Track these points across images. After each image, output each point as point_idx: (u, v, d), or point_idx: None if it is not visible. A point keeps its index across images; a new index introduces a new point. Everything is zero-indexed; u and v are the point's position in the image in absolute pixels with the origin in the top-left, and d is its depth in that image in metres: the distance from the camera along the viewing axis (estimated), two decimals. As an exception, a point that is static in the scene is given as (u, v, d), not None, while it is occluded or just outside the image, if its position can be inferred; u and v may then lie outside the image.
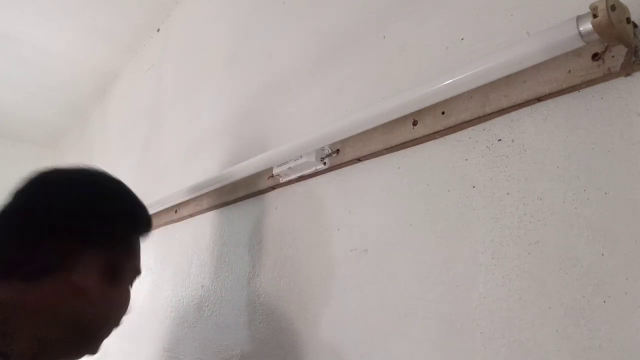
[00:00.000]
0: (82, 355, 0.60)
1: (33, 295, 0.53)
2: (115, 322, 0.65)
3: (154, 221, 1.58)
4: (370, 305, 0.79)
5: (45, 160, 3.12)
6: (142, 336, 1.45)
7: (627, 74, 0.54)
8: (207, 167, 1.38)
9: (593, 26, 0.51)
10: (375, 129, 0.81)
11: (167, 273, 1.49)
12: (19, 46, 2.10)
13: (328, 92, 0.99)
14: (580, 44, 0.54)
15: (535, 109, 0.63)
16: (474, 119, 0.68)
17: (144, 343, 1.42)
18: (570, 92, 0.59)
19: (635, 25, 0.53)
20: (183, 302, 1.36)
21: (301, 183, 1.00)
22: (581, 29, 0.52)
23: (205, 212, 1.34)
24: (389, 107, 0.76)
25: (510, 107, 0.64)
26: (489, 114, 0.66)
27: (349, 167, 0.89)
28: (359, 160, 0.86)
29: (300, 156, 0.93)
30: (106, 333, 0.64)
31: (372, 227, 0.82)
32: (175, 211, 1.46)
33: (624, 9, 0.53)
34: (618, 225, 0.52)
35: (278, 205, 1.06)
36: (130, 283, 0.70)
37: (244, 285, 1.12)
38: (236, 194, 1.18)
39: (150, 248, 1.64)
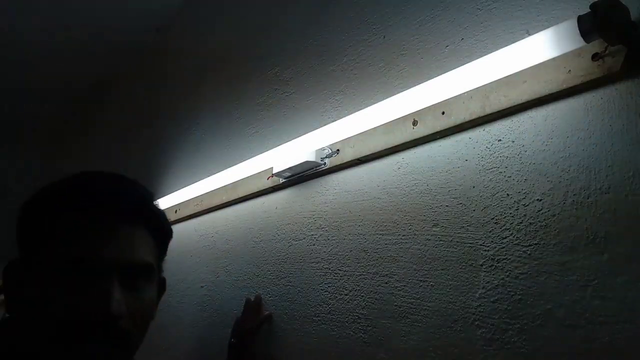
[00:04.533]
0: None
1: None
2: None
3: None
4: (371, 304, 0.79)
5: (45, 161, 3.12)
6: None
7: (627, 74, 0.54)
8: (208, 167, 1.38)
9: (593, 26, 0.51)
10: (375, 129, 0.81)
11: (166, 273, 1.49)
12: (19, 45, 2.10)
13: (328, 92, 0.99)
14: (581, 44, 0.54)
15: (535, 109, 0.63)
16: (474, 119, 0.68)
17: (144, 343, 1.42)
18: (570, 92, 0.59)
19: (635, 25, 0.53)
20: (183, 302, 1.36)
21: (301, 183, 1.00)
22: (581, 29, 0.52)
23: (205, 212, 1.34)
24: (389, 107, 0.76)
25: (510, 108, 0.64)
26: (489, 114, 0.66)
27: (349, 167, 0.89)
28: (359, 160, 0.86)
29: (300, 156, 0.93)
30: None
31: (371, 227, 0.82)
32: (175, 211, 1.46)
33: (624, 9, 0.53)
34: (618, 226, 0.52)
35: (278, 205, 1.06)
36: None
37: (244, 285, 1.12)
38: (236, 194, 1.18)
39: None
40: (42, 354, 0.52)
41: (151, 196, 0.64)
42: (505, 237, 0.62)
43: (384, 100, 0.76)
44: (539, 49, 0.58)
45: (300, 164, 0.93)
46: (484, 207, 0.66)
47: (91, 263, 0.53)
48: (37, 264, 0.55)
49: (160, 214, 0.65)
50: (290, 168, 0.96)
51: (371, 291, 0.79)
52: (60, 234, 0.55)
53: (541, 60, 0.59)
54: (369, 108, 0.79)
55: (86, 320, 0.51)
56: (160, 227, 0.63)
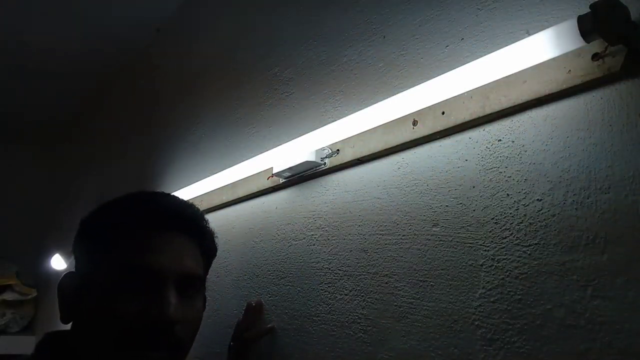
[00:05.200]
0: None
1: None
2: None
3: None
4: (371, 304, 0.79)
5: (45, 161, 3.12)
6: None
7: (627, 74, 0.54)
8: (208, 167, 1.38)
9: (593, 26, 0.51)
10: (375, 129, 0.81)
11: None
12: (19, 46, 2.10)
13: (328, 92, 0.99)
14: (581, 44, 0.54)
15: (535, 109, 0.63)
16: (474, 119, 0.68)
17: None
18: (571, 92, 0.59)
19: (635, 25, 0.53)
20: (183, 302, 1.36)
21: (301, 183, 1.00)
22: (581, 29, 0.52)
23: (205, 212, 1.33)
24: (389, 107, 0.76)
25: (510, 108, 0.64)
26: (489, 114, 0.66)
27: (349, 167, 0.89)
28: (359, 160, 0.86)
29: (300, 156, 0.93)
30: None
31: (371, 227, 0.82)
32: (176, 211, 1.46)
33: (624, 9, 0.53)
34: (618, 226, 0.52)
35: (278, 205, 1.06)
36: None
37: (244, 285, 1.12)
38: (236, 194, 1.18)
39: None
40: (104, 357, 0.55)
41: (203, 215, 0.69)
42: (505, 237, 0.62)
43: (384, 100, 0.76)
44: (539, 49, 0.58)
45: (300, 164, 0.93)
46: (484, 207, 0.66)
47: (151, 271, 0.57)
48: (98, 274, 0.58)
49: (211, 232, 0.69)
50: (290, 168, 0.96)
51: (371, 291, 0.79)
52: (123, 246, 0.59)
53: (541, 60, 0.59)
54: (369, 108, 0.79)
55: (146, 325, 0.55)
56: (209, 244, 0.69)
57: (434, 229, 0.71)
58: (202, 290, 0.67)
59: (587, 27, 0.52)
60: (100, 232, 0.62)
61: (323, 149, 0.92)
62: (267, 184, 1.07)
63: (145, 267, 0.57)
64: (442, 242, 0.70)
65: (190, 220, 0.65)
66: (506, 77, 0.63)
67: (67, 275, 0.63)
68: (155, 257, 0.58)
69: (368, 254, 0.81)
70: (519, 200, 0.62)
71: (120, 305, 0.55)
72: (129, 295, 0.56)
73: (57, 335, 0.62)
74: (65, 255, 2.29)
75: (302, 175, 0.98)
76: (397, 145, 0.79)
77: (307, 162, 0.92)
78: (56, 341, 0.61)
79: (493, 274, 0.63)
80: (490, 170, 0.66)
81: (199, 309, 0.66)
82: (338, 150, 0.90)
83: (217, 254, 1.24)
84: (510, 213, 0.62)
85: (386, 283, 0.77)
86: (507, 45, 0.61)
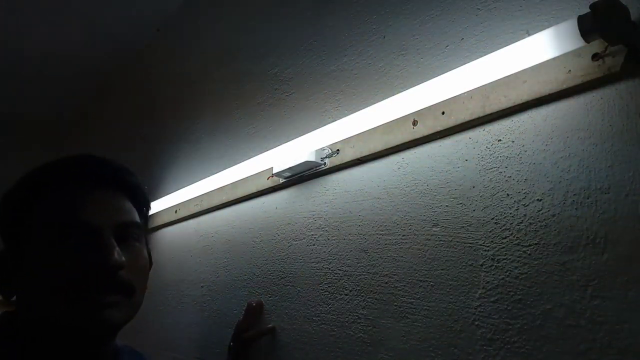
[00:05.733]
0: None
1: None
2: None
3: (154, 221, 1.59)
4: (371, 304, 0.79)
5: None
6: (142, 337, 1.45)
7: (627, 74, 0.54)
8: (208, 167, 1.38)
9: (593, 26, 0.51)
10: (375, 129, 0.81)
11: (167, 273, 1.49)
12: (19, 46, 2.10)
13: (328, 92, 0.99)
14: (581, 44, 0.54)
15: (535, 109, 0.63)
16: (474, 119, 0.68)
17: (144, 343, 1.42)
18: (571, 92, 0.59)
19: (635, 25, 0.53)
20: (183, 302, 1.36)
21: (301, 183, 1.00)
22: (581, 29, 0.52)
23: (205, 212, 1.34)
24: (389, 107, 0.76)
25: (510, 108, 0.64)
26: (489, 114, 0.66)
27: (349, 167, 0.89)
28: (359, 160, 0.86)
29: (300, 156, 0.93)
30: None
31: (371, 227, 0.82)
32: (175, 211, 1.46)
33: (624, 9, 0.53)
34: (618, 226, 0.52)
35: (278, 205, 1.06)
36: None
37: (244, 285, 1.12)
38: (236, 194, 1.18)
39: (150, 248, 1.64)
40: (58, 316, 0.56)
41: (128, 169, 0.69)
42: (505, 237, 0.62)
43: (384, 100, 0.76)
44: (539, 49, 0.58)
45: (300, 164, 0.93)
46: (484, 207, 0.66)
47: (87, 226, 0.58)
48: (32, 242, 0.58)
49: (139, 184, 0.70)
50: (290, 168, 0.96)
51: (371, 291, 0.79)
52: (54, 207, 0.59)
53: (541, 60, 0.59)
54: (369, 108, 0.79)
55: (93, 273, 0.56)
56: (139, 196, 0.69)
57: (434, 229, 0.71)
58: (144, 241, 0.67)
59: (587, 27, 0.52)
60: (25, 201, 0.61)
61: (323, 149, 0.92)
62: (267, 184, 1.07)
63: (82, 223, 0.58)
64: (442, 242, 0.70)
65: (115, 174, 0.65)
66: (506, 77, 0.63)
67: None
68: (89, 212, 0.59)
69: (368, 254, 0.81)
70: (519, 200, 0.62)
71: (62, 263, 0.56)
72: (69, 252, 0.57)
73: (9, 312, 0.62)
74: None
75: (302, 175, 0.98)
76: (397, 145, 0.79)
77: (307, 162, 0.92)
78: (7, 316, 0.62)
79: (493, 274, 0.63)
80: (490, 170, 0.66)
81: (144, 256, 0.66)
82: (338, 150, 0.90)
83: (217, 254, 1.25)
84: (510, 213, 0.62)
85: (386, 283, 0.77)
86: (507, 45, 0.61)
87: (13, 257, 0.60)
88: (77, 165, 0.65)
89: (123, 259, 0.58)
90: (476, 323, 0.63)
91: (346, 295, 0.84)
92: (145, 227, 0.71)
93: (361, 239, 0.83)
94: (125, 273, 0.59)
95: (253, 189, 1.12)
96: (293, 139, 0.95)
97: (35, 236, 0.58)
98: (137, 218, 0.66)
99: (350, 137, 0.86)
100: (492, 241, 0.64)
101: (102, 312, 0.57)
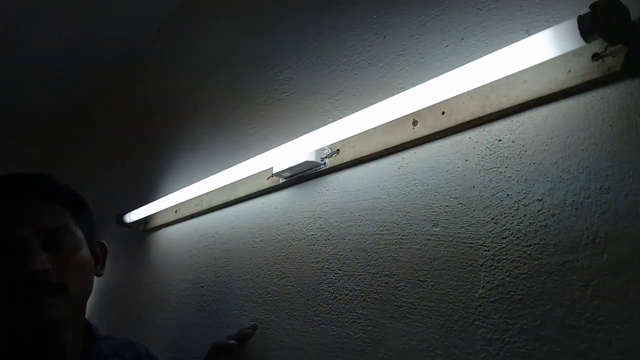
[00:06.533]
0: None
1: None
2: None
3: (154, 221, 1.59)
4: (371, 304, 0.79)
5: (46, 161, 3.12)
6: (142, 337, 1.45)
7: (627, 74, 0.54)
8: (208, 167, 1.38)
9: (593, 26, 0.51)
10: (375, 129, 0.81)
11: (167, 273, 1.49)
12: (19, 45, 2.10)
13: (328, 92, 0.99)
14: (581, 44, 0.54)
15: (535, 109, 0.63)
16: (474, 119, 0.68)
17: (144, 343, 1.42)
18: (571, 92, 0.59)
19: (635, 25, 0.53)
20: (183, 303, 1.36)
21: (301, 183, 1.00)
22: (581, 29, 0.52)
23: (205, 212, 1.34)
24: (389, 107, 0.76)
25: (510, 108, 0.64)
26: (489, 114, 0.66)
27: (349, 167, 0.89)
28: (359, 160, 0.86)
29: (300, 156, 0.93)
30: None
31: (371, 227, 0.82)
32: (175, 211, 1.46)
33: (624, 9, 0.53)
34: (618, 226, 0.52)
35: (278, 205, 1.06)
36: None
37: (244, 285, 1.12)
38: (236, 194, 1.18)
39: (150, 248, 1.64)
40: (8, 313, 0.63)
41: (49, 175, 0.74)
42: (505, 237, 0.62)
43: (384, 100, 0.76)
44: (539, 49, 0.58)
45: (300, 164, 0.93)
46: (484, 207, 0.66)
47: (12, 236, 0.64)
48: None
49: (71, 191, 0.75)
50: (290, 168, 0.96)
51: (371, 291, 0.79)
52: None
53: (541, 60, 0.59)
54: (369, 108, 0.79)
55: (20, 280, 0.62)
56: (73, 200, 0.73)
57: (434, 229, 0.71)
58: (74, 239, 0.71)
59: (587, 27, 0.52)
60: None
61: (323, 149, 0.92)
62: (267, 184, 1.07)
63: (8, 234, 0.64)
64: (442, 242, 0.70)
65: (42, 184, 0.71)
66: (506, 77, 0.63)
67: None
68: (13, 223, 0.65)
69: (368, 254, 0.81)
70: (519, 200, 0.62)
71: (2, 270, 0.63)
72: (4, 261, 0.63)
73: None
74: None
75: (302, 175, 0.98)
76: (397, 145, 0.79)
77: (307, 162, 0.92)
78: None
79: (493, 274, 0.63)
80: (490, 170, 0.66)
81: (79, 254, 0.70)
82: (338, 150, 0.90)
83: (217, 254, 1.25)
84: (510, 213, 0.62)
85: (386, 283, 0.77)
86: (507, 45, 0.61)
87: None
88: (2, 181, 0.70)
89: (48, 265, 0.63)
90: (476, 323, 0.63)
91: (346, 295, 0.84)
92: (90, 225, 0.76)
93: (361, 239, 0.83)
94: (53, 275, 0.64)
95: (253, 189, 1.12)
96: (293, 139, 0.95)
97: None
98: (64, 221, 0.70)
99: (350, 137, 0.86)
100: (492, 241, 0.64)
101: (43, 311, 0.63)
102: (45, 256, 0.64)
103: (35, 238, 0.65)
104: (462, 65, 0.66)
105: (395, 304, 0.74)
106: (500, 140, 0.66)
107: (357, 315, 0.81)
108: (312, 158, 0.92)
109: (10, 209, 0.66)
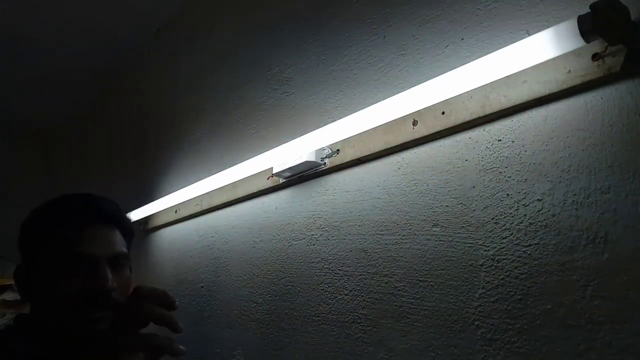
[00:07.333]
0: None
1: None
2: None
3: (154, 221, 1.59)
4: (371, 304, 0.79)
5: (46, 161, 3.12)
6: (142, 336, 1.45)
7: (627, 74, 0.54)
8: (208, 167, 1.38)
9: (593, 26, 0.51)
10: (375, 129, 0.81)
11: (167, 273, 1.49)
12: (19, 45, 2.10)
13: (328, 92, 0.99)
14: (581, 44, 0.54)
15: (535, 109, 0.63)
16: (474, 119, 0.68)
17: (144, 343, 1.42)
18: (571, 92, 0.59)
19: (635, 25, 0.53)
20: (183, 303, 1.36)
21: (301, 183, 1.00)
22: (581, 29, 0.52)
23: (205, 212, 1.34)
24: (389, 107, 0.76)
25: (510, 108, 0.64)
26: (489, 114, 0.66)
27: (349, 167, 0.89)
28: (359, 160, 0.86)
29: (300, 156, 0.93)
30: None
31: (371, 227, 0.82)
32: (176, 211, 1.46)
33: (624, 9, 0.53)
34: (618, 226, 0.52)
35: (278, 205, 1.06)
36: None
37: (244, 284, 1.12)
38: (236, 194, 1.18)
39: (150, 248, 1.64)
40: (62, 322, 0.73)
41: (118, 206, 0.87)
42: (505, 237, 0.62)
43: (384, 100, 0.76)
44: (539, 49, 0.58)
45: (300, 164, 0.93)
46: (484, 207, 0.66)
47: (88, 257, 0.75)
48: (45, 261, 0.75)
49: (127, 218, 0.88)
50: (290, 168, 0.96)
51: (371, 291, 0.79)
52: (61, 239, 0.76)
53: (541, 60, 0.59)
54: (369, 108, 0.79)
55: (92, 295, 0.73)
56: (128, 228, 0.86)
57: (434, 229, 0.71)
58: (128, 263, 0.83)
59: (587, 27, 0.52)
60: (38, 229, 0.79)
61: (323, 149, 0.92)
62: (267, 184, 1.07)
63: (84, 256, 0.74)
64: (442, 242, 0.70)
65: (111, 213, 0.83)
66: (506, 77, 0.63)
67: (19, 266, 0.80)
68: (89, 245, 0.75)
69: (368, 254, 0.81)
70: (519, 200, 0.62)
71: (69, 285, 0.72)
72: (75, 278, 0.73)
73: (24, 314, 0.81)
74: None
75: (302, 175, 0.98)
76: (397, 145, 0.79)
77: (307, 162, 0.92)
78: (22, 317, 0.80)
79: (493, 274, 0.63)
80: (490, 170, 0.66)
81: (128, 276, 0.82)
82: (338, 150, 0.90)
83: (217, 254, 1.25)
84: (510, 213, 0.62)
85: (386, 283, 0.77)
86: (507, 45, 0.61)
87: (31, 271, 0.77)
88: (78, 203, 0.82)
89: (115, 284, 0.74)
90: (476, 323, 0.63)
91: (346, 295, 0.84)
92: (129, 248, 0.86)
93: (361, 239, 0.83)
94: (115, 295, 0.75)
95: (253, 189, 1.12)
96: (293, 139, 0.95)
97: (48, 260, 0.75)
98: (125, 248, 0.82)
99: (350, 137, 0.86)
100: (492, 241, 0.64)
101: (94, 324, 0.73)
102: (113, 277, 0.75)
103: (106, 261, 0.76)
104: (462, 65, 0.66)
105: (395, 304, 0.74)
106: (500, 140, 0.66)
107: (357, 315, 0.81)
108: (312, 158, 0.92)
109: (89, 232, 0.77)
